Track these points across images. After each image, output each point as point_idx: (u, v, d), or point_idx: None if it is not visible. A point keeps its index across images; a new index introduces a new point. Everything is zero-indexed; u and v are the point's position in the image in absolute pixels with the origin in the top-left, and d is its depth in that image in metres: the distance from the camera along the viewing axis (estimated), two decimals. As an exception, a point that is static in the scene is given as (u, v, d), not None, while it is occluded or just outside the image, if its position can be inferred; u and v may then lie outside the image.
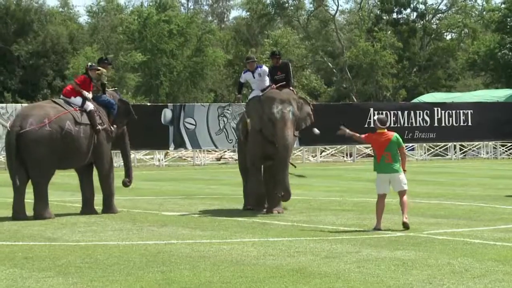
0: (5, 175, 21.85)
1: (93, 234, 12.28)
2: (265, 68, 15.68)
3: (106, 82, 15.86)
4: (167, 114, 32.18)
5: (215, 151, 35.39)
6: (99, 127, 15.01)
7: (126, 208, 15.77)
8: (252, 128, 15.24)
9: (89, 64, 15.55)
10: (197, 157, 34.04)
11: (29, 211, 14.35)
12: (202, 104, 36.08)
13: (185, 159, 35.33)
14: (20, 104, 33.18)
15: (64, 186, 19.55)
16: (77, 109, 14.95)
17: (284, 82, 15.38)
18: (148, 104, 38.07)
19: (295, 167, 15.45)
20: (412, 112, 35.73)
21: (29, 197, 14.51)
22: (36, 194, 14.39)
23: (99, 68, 15.34)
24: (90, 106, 15.04)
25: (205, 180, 24.42)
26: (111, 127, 15.33)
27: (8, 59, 52.05)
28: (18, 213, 14.21)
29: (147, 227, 12.95)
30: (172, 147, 32.65)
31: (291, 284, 8.30)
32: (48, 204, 14.47)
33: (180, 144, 32.48)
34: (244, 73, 15.88)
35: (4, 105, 32.01)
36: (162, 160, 33.61)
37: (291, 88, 15.47)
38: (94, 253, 10.35)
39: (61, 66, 51.73)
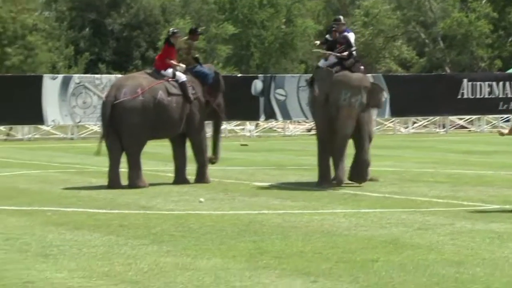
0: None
1: (186, 203, 12.45)
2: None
3: (197, 55, 15.80)
4: (257, 85, 32.26)
5: (306, 122, 35.33)
6: (192, 96, 15.10)
7: (218, 178, 15.90)
8: (318, 102, 14.79)
9: (172, 30, 15.49)
10: (287, 128, 34.06)
11: (124, 181, 14.64)
12: (292, 75, 35.98)
13: (275, 130, 35.41)
14: (114, 75, 33.80)
15: (157, 156, 19.83)
16: (170, 79, 15.10)
17: (346, 56, 14.63)
18: (239, 75, 38.22)
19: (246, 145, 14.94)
20: (507, 83, 34.84)
21: (123, 167, 14.78)
22: (130, 163, 14.67)
23: (178, 32, 15.33)
24: (182, 77, 15.14)
25: (296, 151, 24.44)
26: (206, 98, 15.31)
27: (102, 32, 53.06)
28: (113, 182, 14.51)
29: (239, 197, 13.06)
30: (262, 118, 32.75)
31: (383, 255, 8.25)
32: (142, 173, 14.72)
33: (270, 115, 32.54)
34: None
35: (99, 76, 32.65)
36: (252, 130, 33.76)
37: (361, 66, 14.96)
38: (187, 222, 10.50)
39: (154, 38, 52.34)
